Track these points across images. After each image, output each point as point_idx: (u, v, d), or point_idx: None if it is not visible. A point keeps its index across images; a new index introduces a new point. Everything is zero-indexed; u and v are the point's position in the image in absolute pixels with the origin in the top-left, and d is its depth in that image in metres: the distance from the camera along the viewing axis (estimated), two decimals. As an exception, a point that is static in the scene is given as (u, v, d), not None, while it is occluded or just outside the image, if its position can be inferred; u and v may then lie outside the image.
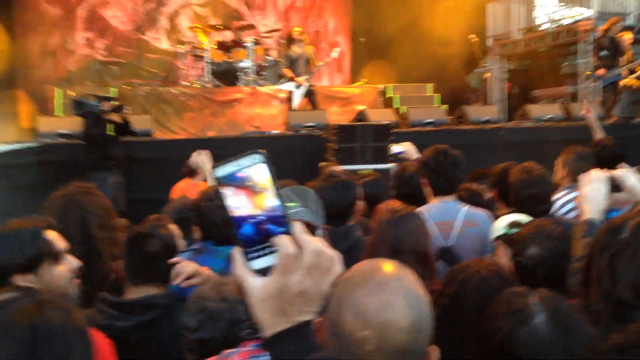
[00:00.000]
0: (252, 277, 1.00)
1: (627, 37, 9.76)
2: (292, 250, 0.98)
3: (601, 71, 9.55)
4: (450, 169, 3.23)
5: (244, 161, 0.99)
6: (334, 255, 1.02)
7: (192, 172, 6.45)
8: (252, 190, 0.99)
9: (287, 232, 0.99)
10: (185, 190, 6.23)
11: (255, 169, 0.99)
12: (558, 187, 3.78)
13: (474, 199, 3.62)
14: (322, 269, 1.00)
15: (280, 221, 1.00)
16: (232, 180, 0.99)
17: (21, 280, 2.01)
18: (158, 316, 2.27)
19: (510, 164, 3.69)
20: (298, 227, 1.00)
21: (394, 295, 1.26)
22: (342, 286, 1.30)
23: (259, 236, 1.00)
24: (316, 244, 1.00)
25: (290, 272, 0.99)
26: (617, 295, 1.62)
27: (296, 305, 0.99)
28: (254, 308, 1.00)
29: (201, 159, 4.78)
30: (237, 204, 0.99)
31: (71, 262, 2.16)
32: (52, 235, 2.13)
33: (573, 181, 3.62)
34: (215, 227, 2.82)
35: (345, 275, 1.29)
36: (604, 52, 9.50)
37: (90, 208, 2.66)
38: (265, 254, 1.00)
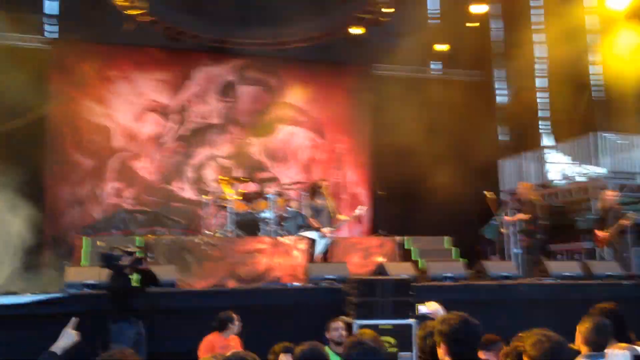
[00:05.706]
0: None
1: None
2: None
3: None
4: (472, 340, 3.21)
5: None
6: None
7: (222, 326, 6.48)
8: None
9: None
10: (213, 343, 6.24)
11: None
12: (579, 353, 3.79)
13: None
14: None
15: None
16: None
17: None
18: None
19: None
20: None
21: None
22: None
23: None
24: None
25: None
26: None
27: None
28: None
29: None
30: None
31: None
32: None
33: (590, 350, 3.66)
34: None
35: None
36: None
37: None
38: None
